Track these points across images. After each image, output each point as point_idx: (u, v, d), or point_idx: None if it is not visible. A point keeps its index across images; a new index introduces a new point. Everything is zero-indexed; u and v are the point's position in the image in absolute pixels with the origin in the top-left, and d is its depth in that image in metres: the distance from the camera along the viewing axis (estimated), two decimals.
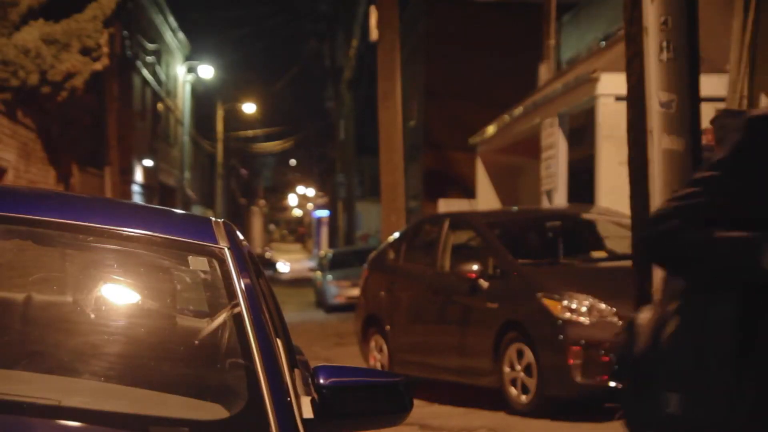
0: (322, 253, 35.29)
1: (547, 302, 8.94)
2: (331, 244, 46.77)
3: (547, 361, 8.81)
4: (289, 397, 2.53)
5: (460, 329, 10.01)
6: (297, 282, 43.30)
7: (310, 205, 78.25)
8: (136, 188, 27.28)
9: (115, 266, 2.93)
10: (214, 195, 46.71)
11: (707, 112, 7.45)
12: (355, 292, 12.72)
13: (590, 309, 8.75)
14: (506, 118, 18.68)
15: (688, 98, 6.32)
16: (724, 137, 2.44)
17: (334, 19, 41.57)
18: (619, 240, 10.11)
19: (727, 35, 9.75)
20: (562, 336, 8.71)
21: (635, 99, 6.78)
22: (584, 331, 8.67)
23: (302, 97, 62.00)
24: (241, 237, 3.07)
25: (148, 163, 29.05)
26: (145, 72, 29.32)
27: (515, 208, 14.13)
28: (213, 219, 3.09)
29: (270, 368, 2.54)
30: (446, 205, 23.40)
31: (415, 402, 2.93)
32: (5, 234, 2.96)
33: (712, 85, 10.59)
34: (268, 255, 59.94)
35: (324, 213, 59.79)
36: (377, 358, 11.30)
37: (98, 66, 15.12)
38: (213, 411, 2.50)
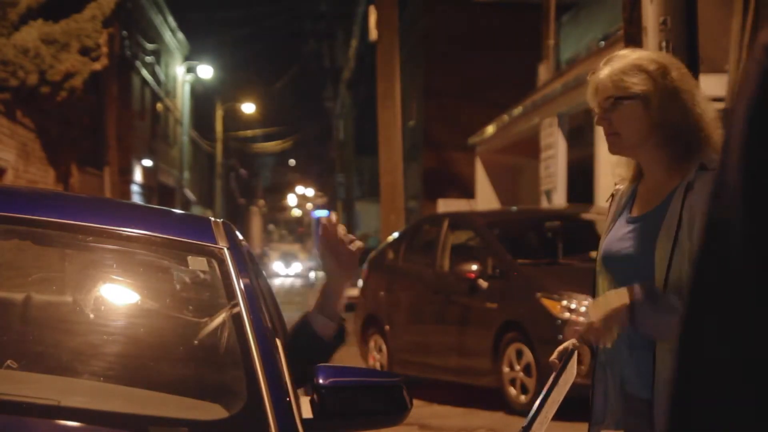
0: None
1: (547, 302, 8.94)
2: None
3: (547, 360, 8.79)
4: (289, 397, 2.53)
5: (459, 329, 10.00)
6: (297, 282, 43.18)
7: (309, 205, 78.19)
8: (135, 188, 27.28)
9: (115, 266, 2.93)
10: (213, 195, 46.69)
11: None
12: (355, 292, 12.68)
13: None
14: (505, 118, 18.68)
15: None
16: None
17: (334, 19, 41.59)
18: None
19: (727, 35, 9.76)
20: (561, 336, 8.68)
21: None
22: None
23: (301, 97, 62.06)
24: (241, 237, 3.07)
25: (147, 163, 29.05)
26: (145, 72, 29.32)
27: (514, 208, 14.12)
28: (212, 219, 3.09)
29: (269, 368, 2.54)
30: (445, 205, 23.37)
31: (415, 402, 2.93)
32: (5, 234, 2.96)
33: (712, 85, 10.58)
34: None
35: (323, 213, 59.79)
36: (376, 358, 11.29)
37: (97, 66, 15.13)
38: (212, 411, 2.49)
